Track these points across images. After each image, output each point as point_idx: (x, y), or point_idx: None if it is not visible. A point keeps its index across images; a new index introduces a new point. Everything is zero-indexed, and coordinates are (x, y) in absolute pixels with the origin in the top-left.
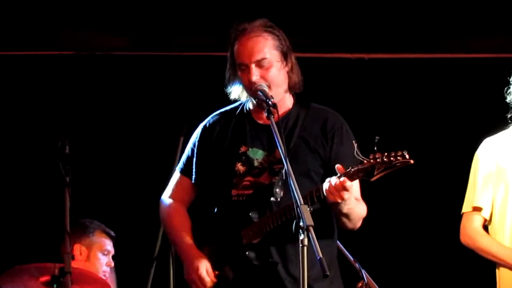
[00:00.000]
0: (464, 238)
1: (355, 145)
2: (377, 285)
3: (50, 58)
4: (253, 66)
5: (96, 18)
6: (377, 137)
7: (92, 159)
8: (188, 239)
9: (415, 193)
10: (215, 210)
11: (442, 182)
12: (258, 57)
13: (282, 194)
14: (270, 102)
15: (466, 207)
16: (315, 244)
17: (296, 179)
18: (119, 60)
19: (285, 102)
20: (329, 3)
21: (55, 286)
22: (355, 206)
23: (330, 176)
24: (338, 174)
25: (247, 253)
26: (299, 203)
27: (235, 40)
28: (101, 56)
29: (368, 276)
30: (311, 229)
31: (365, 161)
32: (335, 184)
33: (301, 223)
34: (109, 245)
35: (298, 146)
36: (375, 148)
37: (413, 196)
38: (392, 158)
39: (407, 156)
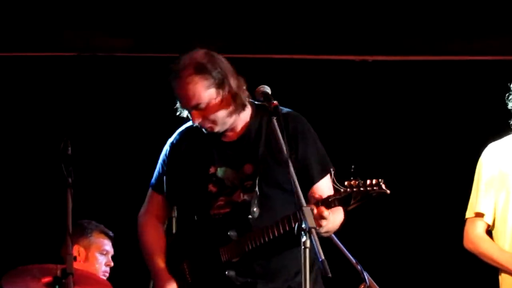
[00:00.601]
0: (467, 243)
1: (332, 173)
2: (379, 287)
3: (53, 59)
4: (193, 111)
5: (98, 19)
6: (353, 166)
7: (94, 160)
8: (160, 262)
9: (419, 196)
10: (193, 225)
11: (447, 186)
12: (192, 103)
13: (258, 212)
14: (272, 105)
15: (469, 213)
16: (317, 245)
17: (269, 193)
18: (122, 61)
19: (239, 120)
20: (333, 5)
21: (57, 287)
22: (333, 227)
23: (300, 182)
24: (315, 201)
25: (226, 272)
26: (302, 205)
27: (171, 83)
28: (103, 57)
29: (370, 278)
30: (313, 231)
31: (341, 190)
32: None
33: (303, 225)
34: (107, 245)
35: (264, 159)
36: (351, 178)
37: (418, 199)
38: (368, 188)
39: (383, 186)
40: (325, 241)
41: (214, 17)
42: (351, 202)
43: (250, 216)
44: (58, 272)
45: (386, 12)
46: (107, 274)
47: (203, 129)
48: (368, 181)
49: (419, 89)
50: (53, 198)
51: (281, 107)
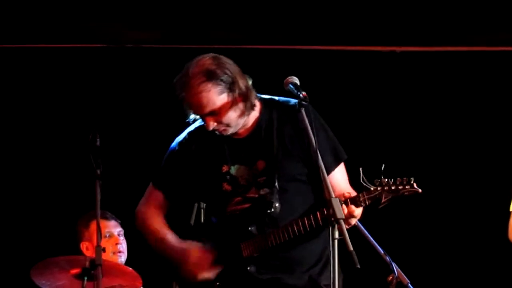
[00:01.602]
0: (511, 236)
1: (361, 172)
2: (408, 278)
3: (82, 50)
4: (206, 117)
5: (127, 11)
6: (383, 165)
7: (122, 152)
8: (173, 237)
9: (455, 187)
10: (213, 220)
11: (492, 179)
12: (206, 111)
13: (279, 206)
14: (301, 96)
15: None
16: (345, 237)
17: (284, 185)
18: (150, 53)
19: (249, 117)
20: None
21: (85, 278)
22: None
23: (314, 173)
24: (344, 200)
25: (248, 268)
26: (331, 196)
27: (180, 93)
28: (131, 49)
29: (399, 269)
30: (342, 221)
31: (371, 188)
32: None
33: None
34: (106, 226)
35: (277, 154)
36: (382, 176)
37: (456, 192)
38: (400, 187)
39: (414, 185)
40: (353, 232)
41: (239, 9)
42: (382, 201)
43: (272, 210)
44: (87, 264)
45: (415, 2)
46: (122, 254)
47: (217, 132)
48: (399, 180)
49: (448, 80)
50: (83, 190)
51: (288, 99)
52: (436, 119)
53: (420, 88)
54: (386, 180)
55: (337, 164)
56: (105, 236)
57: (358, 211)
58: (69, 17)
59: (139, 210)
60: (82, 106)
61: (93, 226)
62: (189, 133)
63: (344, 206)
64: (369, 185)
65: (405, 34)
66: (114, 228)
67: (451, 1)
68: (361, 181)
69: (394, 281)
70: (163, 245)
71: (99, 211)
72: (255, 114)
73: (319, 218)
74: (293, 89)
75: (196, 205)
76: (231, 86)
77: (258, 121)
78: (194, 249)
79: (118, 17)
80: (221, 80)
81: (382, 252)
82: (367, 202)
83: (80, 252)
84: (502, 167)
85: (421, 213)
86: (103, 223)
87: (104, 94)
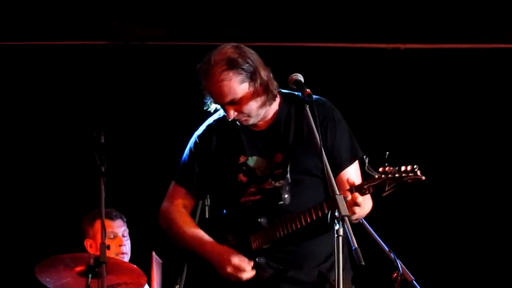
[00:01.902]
0: None
1: (366, 160)
2: (413, 275)
3: (86, 48)
4: (227, 106)
5: (131, 9)
6: (387, 153)
7: (126, 150)
8: (207, 237)
9: (463, 185)
10: (223, 212)
11: (496, 174)
12: (227, 100)
13: (290, 198)
14: (305, 92)
15: None
16: (350, 234)
17: (298, 178)
18: (154, 50)
19: (269, 110)
20: None
21: (90, 276)
22: (363, 214)
23: (330, 167)
24: (348, 188)
25: (257, 259)
26: (336, 192)
27: (202, 82)
28: (135, 46)
29: (403, 266)
30: (347, 219)
31: (376, 176)
32: (347, 201)
33: (336, 213)
34: (111, 227)
35: (294, 147)
36: (386, 164)
37: (461, 188)
38: (403, 174)
39: (418, 173)
40: (357, 229)
41: (243, 6)
42: (386, 189)
43: (281, 202)
44: (91, 261)
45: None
46: (125, 255)
47: (237, 122)
48: (403, 168)
49: (451, 77)
50: (88, 187)
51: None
52: (439, 115)
53: (423, 85)
54: (391, 168)
55: (352, 161)
56: (110, 237)
57: (361, 199)
58: (73, 14)
59: (163, 209)
60: (86, 104)
61: (98, 224)
62: (208, 126)
63: (348, 192)
64: (374, 172)
65: (409, 31)
66: (118, 228)
67: None
68: (366, 169)
69: (399, 278)
70: (198, 249)
71: (103, 209)
72: (274, 107)
73: (325, 207)
74: (298, 86)
75: (200, 202)
76: (252, 76)
77: (277, 114)
78: (232, 252)
79: (122, 14)
80: (243, 69)
81: (387, 249)
82: (371, 190)
83: (84, 250)
84: (507, 162)
85: (426, 210)
86: (107, 223)
87: (109, 91)
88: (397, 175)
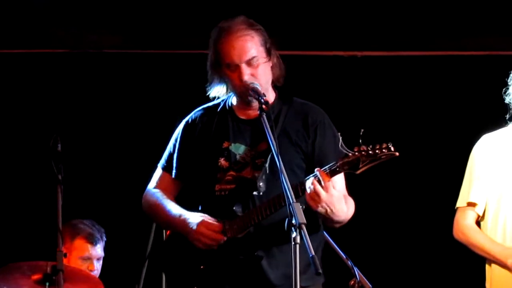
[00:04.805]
0: (457, 233)
1: (340, 138)
2: (370, 282)
3: (44, 56)
4: (243, 65)
5: (89, 16)
6: (362, 130)
7: (84, 157)
8: (178, 208)
9: (408, 188)
10: (199, 207)
11: (435, 177)
12: (247, 56)
13: (265, 188)
14: (263, 100)
15: (460, 202)
16: (307, 241)
17: (276, 169)
18: (112, 58)
19: (268, 96)
20: (322, 1)
21: (47, 284)
22: (343, 209)
23: (312, 170)
24: (323, 169)
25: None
26: (291, 201)
27: (220, 39)
28: (94, 54)
29: (361, 274)
30: (303, 226)
31: (350, 154)
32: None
33: (293, 221)
34: (90, 250)
35: (280, 140)
36: (360, 141)
37: (406, 191)
38: (377, 151)
39: (392, 149)
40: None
41: (200, 14)
42: (360, 166)
43: (255, 192)
44: (48, 269)
45: (375, 7)
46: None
47: (242, 90)
48: (377, 145)
49: (408, 85)
50: (44, 195)
51: (300, 100)
52: (395, 123)
53: (381, 93)
54: (365, 147)
55: None
56: (83, 258)
57: (337, 181)
58: (30, 22)
59: (145, 193)
60: (44, 112)
61: (78, 242)
62: (196, 112)
63: (318, 170)
64: (348, 151)
65: (366, 39)
66: (95, 254)
67: (411, 6)
68: (340, 147)
69: (356, 285)
70: (170, 222)
71: (60, 216)
72: (270, 100)
73: (299, 190)
74: (255, 93)
75: None
76: (269, 49)
77: (269, 108)
78: (199, 219)
79: (80, 22)
80: (263, 35)
81: (344, 256)
82: (344, 168)
83: (50, 255)
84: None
85: (382, 218)
86: (86, 246)
87: (66, 99)
88: (371, 151)
